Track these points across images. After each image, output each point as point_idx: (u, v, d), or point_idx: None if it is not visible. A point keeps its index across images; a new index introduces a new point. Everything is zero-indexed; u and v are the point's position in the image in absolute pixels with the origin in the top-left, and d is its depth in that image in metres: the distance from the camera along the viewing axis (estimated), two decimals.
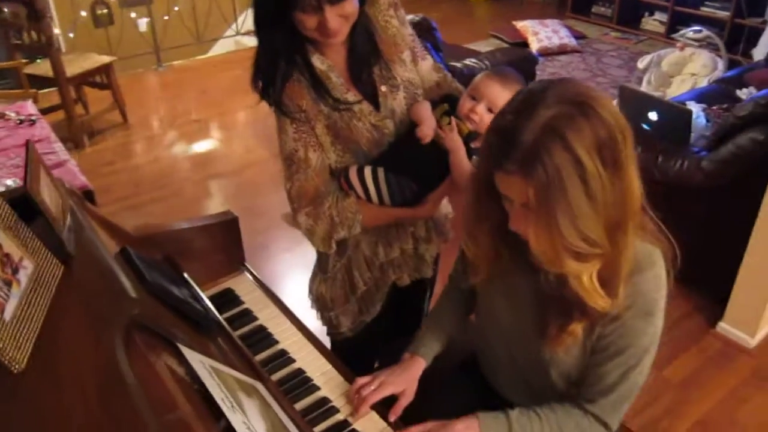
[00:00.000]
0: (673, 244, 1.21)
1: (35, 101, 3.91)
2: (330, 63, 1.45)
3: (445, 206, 1.73)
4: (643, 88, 4.81)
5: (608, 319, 1.15)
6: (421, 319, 1.92)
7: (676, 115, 2.98)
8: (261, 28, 1.39)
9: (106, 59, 4.43)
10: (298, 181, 1.48)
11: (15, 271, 1.02)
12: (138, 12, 5.73)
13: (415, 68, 1.58)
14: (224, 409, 1.00)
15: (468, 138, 1.49)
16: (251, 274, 1.75)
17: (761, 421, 2.35)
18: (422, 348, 1.44)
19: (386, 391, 1.35)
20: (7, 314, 0.95)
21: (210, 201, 3.78)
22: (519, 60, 3.95)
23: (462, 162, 1.46)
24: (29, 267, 1.06)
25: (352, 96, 1.46)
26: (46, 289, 1.07)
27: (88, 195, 2.54)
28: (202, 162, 4.29)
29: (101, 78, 4.51)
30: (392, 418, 1.32)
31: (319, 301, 1.71)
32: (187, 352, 1.12)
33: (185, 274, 1.57)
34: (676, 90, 4.69)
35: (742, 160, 2.51)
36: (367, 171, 1.48)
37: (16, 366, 0.91)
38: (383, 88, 1.50)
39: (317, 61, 1.43)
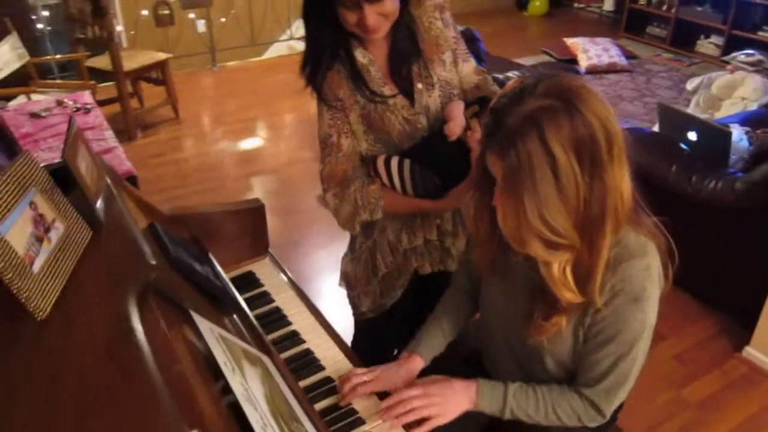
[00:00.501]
0: (669, 242, 1.23)
1: (93, 92, 4.12)
2: (371, 57, 1.54)
3: None
4: (691, 109, 4.75)
5: (595, 310, 1.18)
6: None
7: (715, 136, 2.96)
8: (309, 21, 1.50)
9: (162, 56, 4.62)
10: (329, 164, 1.59)
11: (47, 230, 1.12)
12: (197, 13, 5.95)
13: (455, 69, 1.65)
14: (224, 370, 1.08)
15: None
16: (274, 260, 1.83)
17: None
18: (421, 347, 1.46)
19: (378, 387, 1.37)
20: (36, 267, 1.05)
21: (251, 195, 3.87)
22: None
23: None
24: (60, 228, 1.16)
25: (388, 90, 1.55)
26: (74, 249, 1.17)
27: (131, 180, 2.67)
28: (247, 159, 4.43)
29: (157, 74, 4.71)
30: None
31: (346, 279, 1.83)
32: (197, 317, 1.20)
33: (210, 255, 1.67)
34: (725, 113, 4.62)
35: None
36: (394, 161, 1.55)
37: (40, 314, 1.01)
38: (419, 85, 1.58)
39: (359, 55, 1.53)
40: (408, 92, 1.58)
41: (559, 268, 1.13)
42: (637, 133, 3.15)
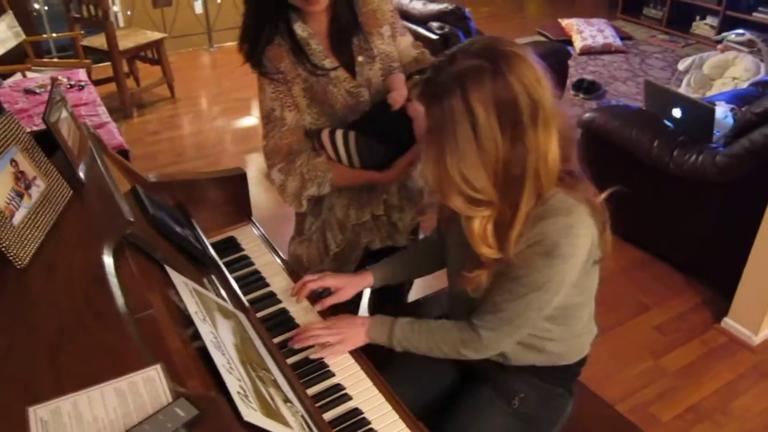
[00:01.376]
0: (604, 208, 1.25)
1: (88, 71, 4.16)
2: (311, 31, 1.56)
3: (419, 181, 1.82)
4: (683, 89, 4.78)
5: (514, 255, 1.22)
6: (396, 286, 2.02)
7: (699, 113, 3.00)
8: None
9: (157, 36, 4.66)
10: (273, 138, 1.60)
11: (28, 186, 1.18)
12: None
13: (393, 43, 1.68)
14: (194, 318, 1.14)
15: None
16: (256, 227, 1.89)
17: (756, 412, 2.37)
18: (375, 268, 1.58)
19: (326, 282, 1.53)
20: (16, 220, 1.11)
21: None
22: (551, 53, 3.99)
23: (422, 128, 1.55)
24: (41, 185, 1.22)
25: (329, 63, 1.57)
26: (55, 206, 1.23)
27: (123, 154, 2.73)
28: (243, 137, 4.47)
29: (152, 53, 4.75)
30: (318, 308, 1.52)
31: (295, 262, 1.84)
32: (171, 271, 1.26)
33: (192, 220, 1.73)
34: (716, 93, 4.65)
35: (755, 156, 2.53)
36: (339, 133, 1.58)
37: (19, 262, 1.08)
38: (360, 58, 1.61)
39: (299, 29, 1.55)
40: (349, 66, 1.61)
41: (480, 224, 1.19)
42: (622, 109, 3.19)
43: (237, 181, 1.89)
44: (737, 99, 3.72)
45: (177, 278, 1.25)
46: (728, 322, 2.73)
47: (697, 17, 6.46)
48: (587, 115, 3.15)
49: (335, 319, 1.48)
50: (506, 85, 1.07)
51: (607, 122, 3.04)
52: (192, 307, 1.18)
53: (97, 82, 4.53)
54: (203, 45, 6.02)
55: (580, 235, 1.18)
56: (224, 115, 4.77)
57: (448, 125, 1.10)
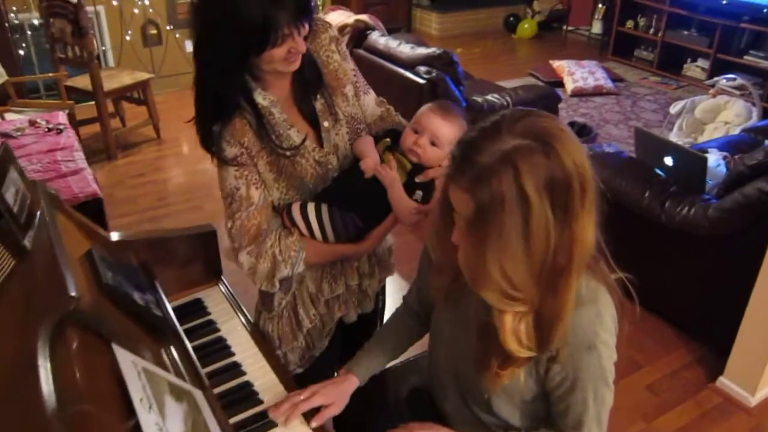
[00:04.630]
0: (625, 284, 1.19)
1: (71, 112, 4.10)
2: (273, 98, 1.44)
3: (389, 239, 1.75)
4: (674, 133, 4.74)
5: (548, 359, 1.15)
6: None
7: (691, 162, 2.93)
8: (210, 74, 1.37)
9: (144, 76, 4.61)
10: (240, 219, 1.46)
11: None
12: (185, 34, 5.95)
13: (357, 102, 1.60)
14: (138, 407, 1.03)
15: (412, 172, 1.51)
16: (226, 287, 1.79)
17: None
18: (357, 367, 1.45)
19: (316, 402, 1.35)
20: None
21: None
22: (541, 97, 3.95)
23: (400, 198, 1.48)
24: None
25: (295, 133, 1.47)
26: None
27: (97, 203, 2.64)
28: None
29: (139, 94, 4.70)
30: (314, 424, 1.34)
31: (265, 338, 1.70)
32: (119, 351, 1.16)
33: (156, 282, 1.63)
34: (708, 138, 4.60)
35: (748, 210, 2.45)
36: (311, 207, 1.48)
37: None
38: (326, 123, 1.52)
39: (259, 98, 1.43)
40: (315, 130, 1.52)
41: (513, 319, 1.09)
42: (612, 157, 3.13)
43: (207, 239, 1.80)
44: (729, 146, 3.66)
45: (124, 359, 1.15)
46: (724, 382, 2.62)
47: (689, 59, 6.47)
48: None
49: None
50: (561, 166, 0.97)
51: (597, 171, 2.96)
52: (137, 393, 1.08)
53: (81, 122, 4.47)
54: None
55: (609, 319, 1.13)
56: (209, 159, 4.66)
57: (496, 215, 0.98)
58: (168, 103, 5.44)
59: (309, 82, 1.49)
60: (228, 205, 1.48)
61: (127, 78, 4.59)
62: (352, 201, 1.49)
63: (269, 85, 1.44)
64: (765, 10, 5.63)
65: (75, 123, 4.19)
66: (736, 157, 3.40)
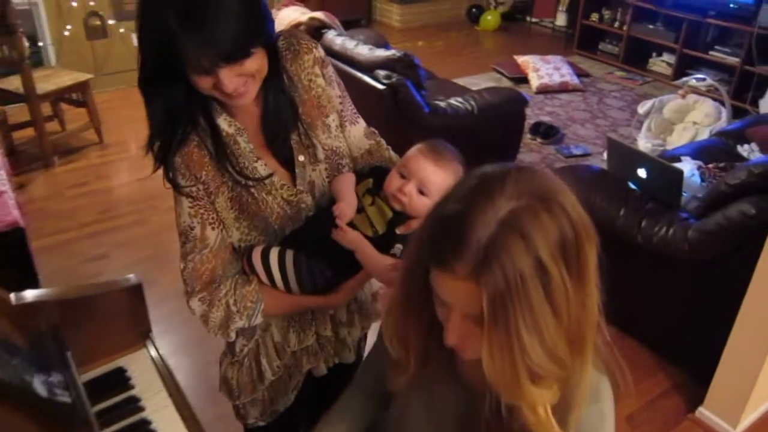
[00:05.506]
0: (623, 369, 1.01)
1: (4, 118, 3.77)
2: (239, 126, 1.25)
3: (373, 283, 1.54)
4: (643, 134, 4.61)
5: None
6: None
7: (666, 175, 2.77)
8: (151, 85, 1.17)
9: (82, 77, 4.28)
10: (192, 262, 1.28)
11: None
12: (131, 27, 5.60)
13: (342, 134, 1.39)
14: None
15: (393, 221, 1.29)
16: (156, 349, 1.55)
17: None
18: None
19: None
20: None
21: (173, 233, 3.56)
22: (507, 101, 3.76)
23: (370, 256, 1.27)
24: None
25: (262, 166, 1.27)
26: None
27: (18, 232, 2.35)
28: None
29: (78, 95, 4.36)
30: None
31: (227, 387, 1.50)
32: None
33: (68, 354, 1.39)
34: (677, 138, 4.48)
35: (730, 234, 2.30)
36: (274, 253, 1.28)
37: None
38: (301, 158, 1.31)
39: (224, 124, 1.24)
40: (287, 165, 1.31)
41: (544, 410, 0.89)
42: (584, 171, 2.95)
43: (132, 294, 1.55)
44: (701, 153, 3.53)
45: None
46: (704, 413, 2.47)
47: (654, 54, 6.36)
48: None
49: None
50: (569, 222, 0.81)
51: (569, 186, 2.78)
52: None
53: (14, 127, 4.13)
54: None
55: (611, 417, 0.98)
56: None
57: (517, 292, 0.77)
58: (112, 102, 5.11)
59: (278, 117, 1.28)
60: (182, 244, 1.30)
61: (66, 78, 4.26)
62: (323, 247, 1.28)
63: (235, 112, 1.25)
64: (731, 6, 5.53)
65: (6, 128, 3.86)
66: (710, 166, 3.26)
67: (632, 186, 2.82)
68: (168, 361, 1.52)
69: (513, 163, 0.89)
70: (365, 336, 1.65)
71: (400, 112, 3.29)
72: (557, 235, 0.80)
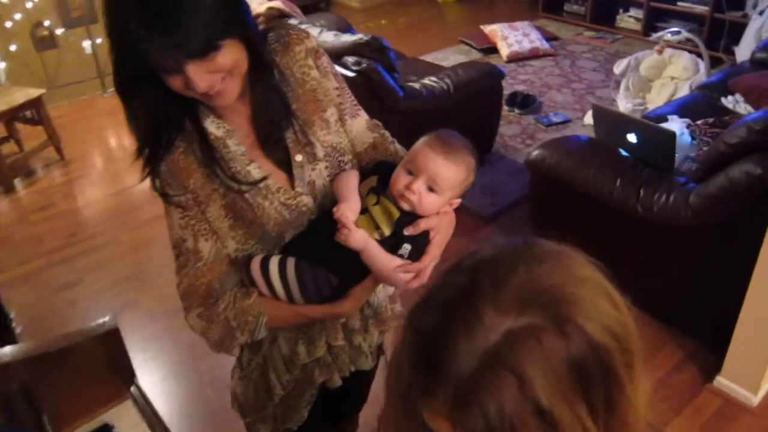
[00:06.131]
0: None
1: None
2: (229, 127, 1.15)
3: (388, 288, 1.43)
4: (621, 94, 4.50)
5: None
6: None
7: (657, 138, 2.66)
8: (127, 88, 1.06)
9: (35, 92, 4.04)
10: (187, 276, 1.19)
11: None
12: (80, 34, 5.34)
13: (342, 129, 1.28)
14: None
15: (400, 221, 1.18)
16: (142, 396, 1.41)
17: None
18: None
19: None
20: None
21: (149, 249, 3.40)
22: (483, 76, 3.61)
23: (376, 258, 1.16)
24: None
25: (255, 169, 1.17)
26: None
27: None
28: (148, 200, 3.91)
29: (32, 113, 4.14)
30: None
31: (237, 402, 1.42)
32: None
33: (44, 416, 1.24)
34: (656, 96, 4.38)
35: (735, 196, 2.19)
36: (274, 262, 1.17)
37: None
38: (299, 157, 1.21)
39: (211, 126, 1.14)
40: (285, 166, 1.21)
41: None
42: (572, 143, 2.83)
43: (107, 340, 1.40)
44: (686, 110, 3.43)
45: None
46: (722, 382, 2.39)
47: (621, 10, 6.23)
48: (535, 153, 2.77)
49: None
50: (588, 342, 0.59)
51: (559, 161, 2.66)
52: None
53: None
54: (96, 91, 5.39)
55: None
56: (123, 177, 4.13)
57: None
58: (69, 116, 4.88)
59: (270, 115, 1.18)
60: (176, 258, 1.22)
61: (18, 96, 4.01)
62: (326, 253, 1.17)
63: (223, 113, 1.16)
64: None
65: None
66: (699, 123, 3.16)
67: (623, 153, 2.70)
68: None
69: (524, 241, 0.67)
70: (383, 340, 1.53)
71: (373, 99, 3.14)
72: (569, 364, 0.58)
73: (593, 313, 0.61)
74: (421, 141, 1.21)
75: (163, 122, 1.11)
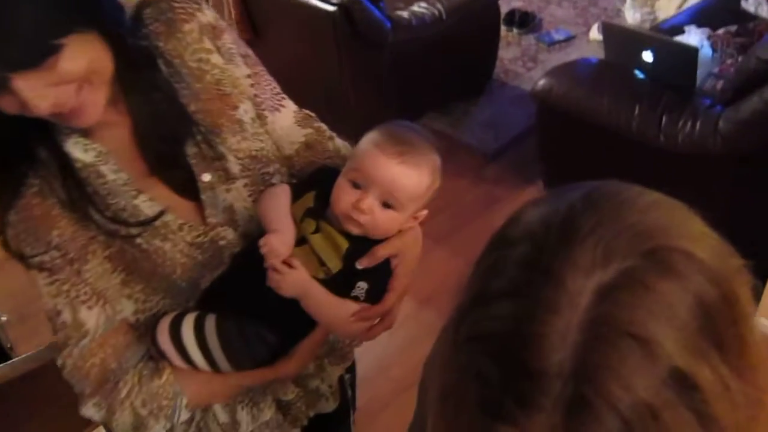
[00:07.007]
0: None
1: None
2: (101, 149, 0.87)
3: None
4: (628, 4, 4.15)
5: None
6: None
7: (677, 55, 2.39)
8: None
9: None
10: (71, 357, 0.89)
11: None
12: None
13: (262, 129, 1.00)
14: None
15: (350, 252, 0.91)
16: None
17: None
18: None
19: None
20: None
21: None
22: (481, 9, 3.31)
23: (323, 309, 0.91)
24: None
25: (146, 202, 0.89)
26: None
27: None
28: None
29: None
30: None
31: None
32: None
33: None
34: (666, 3, 4.03)
35: None
36: (188, 324, 0.90)
37: None
38: (206, 178, 0.93)
39: (76, 150, 0.85)
40: (190, 189, 0.93)
41: None
42: (581, 68, 2.55)
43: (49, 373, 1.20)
44: (704, 18, 3.11)
45: None
46: (760, 320, 2.21)
47: None
48: (541, 83, 2.50)
49: None
50: (704, 275, 0.46)
51: (568, 91, 2.39)
52: None
53: None
54: None
55: None
56: None
57: None
58: None
59: (158, 127, 0.89)
60: (53, 333, 0.91)
61: None
62: (258, 301, 0.91)
63: (92, 129, 0.85)
64: None
65: None
66: (720, 32, 2.87)
67: (638, 74, 2.43)
68: None
69: (578, 187, 0.52)
70: (354, 375, 1.30)
71: (357, 36, 2.83)
72: (690, 308, 0.44)
73: (695, 235, 0.49)
74: (366, 140, 0.93)
75: (6, 154, 0.83)
